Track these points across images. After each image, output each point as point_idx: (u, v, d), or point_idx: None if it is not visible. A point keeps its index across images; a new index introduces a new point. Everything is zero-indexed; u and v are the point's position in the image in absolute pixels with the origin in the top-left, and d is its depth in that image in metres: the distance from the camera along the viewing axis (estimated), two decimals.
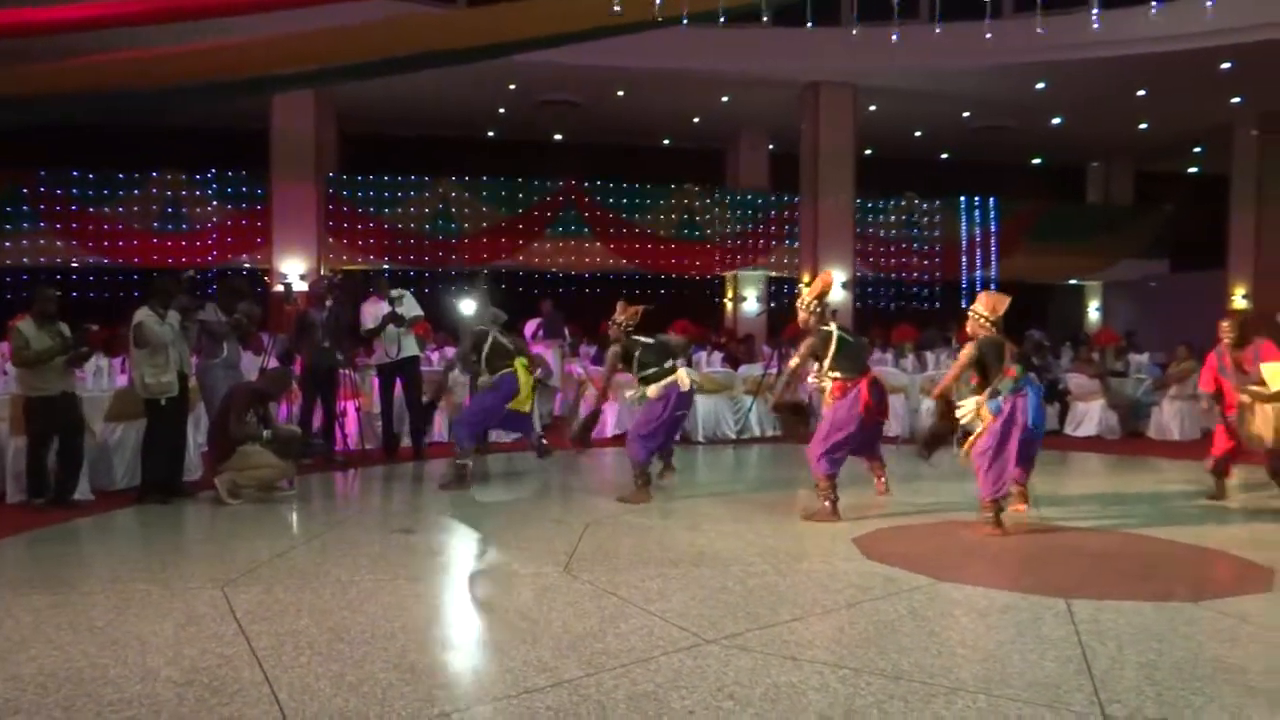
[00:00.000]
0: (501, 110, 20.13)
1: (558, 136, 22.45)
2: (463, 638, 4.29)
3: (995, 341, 6.38)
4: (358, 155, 20.66)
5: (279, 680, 3.61)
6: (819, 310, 7.09)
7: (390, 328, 9.33)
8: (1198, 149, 23.04)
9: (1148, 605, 4.70)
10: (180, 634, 4.17)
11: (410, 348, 9.66)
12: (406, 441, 9.85)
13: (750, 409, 11.48)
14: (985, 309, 6.47)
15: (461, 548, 6.25)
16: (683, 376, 7.62)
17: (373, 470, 9.06)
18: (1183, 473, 9.08)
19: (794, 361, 7.18)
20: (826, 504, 6.76)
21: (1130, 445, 11.28)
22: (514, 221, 19.29)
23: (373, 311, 9.55)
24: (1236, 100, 18.53)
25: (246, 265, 18.44)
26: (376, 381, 9.91)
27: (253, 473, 7.29)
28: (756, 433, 11.53)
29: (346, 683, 3.59)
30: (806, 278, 18.68)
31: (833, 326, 7.06)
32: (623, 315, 7.79)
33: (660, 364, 7.69)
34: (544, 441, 8.63)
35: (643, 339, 7.78)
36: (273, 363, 9.86)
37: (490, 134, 22.38)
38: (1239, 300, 19.36)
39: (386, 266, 18.12)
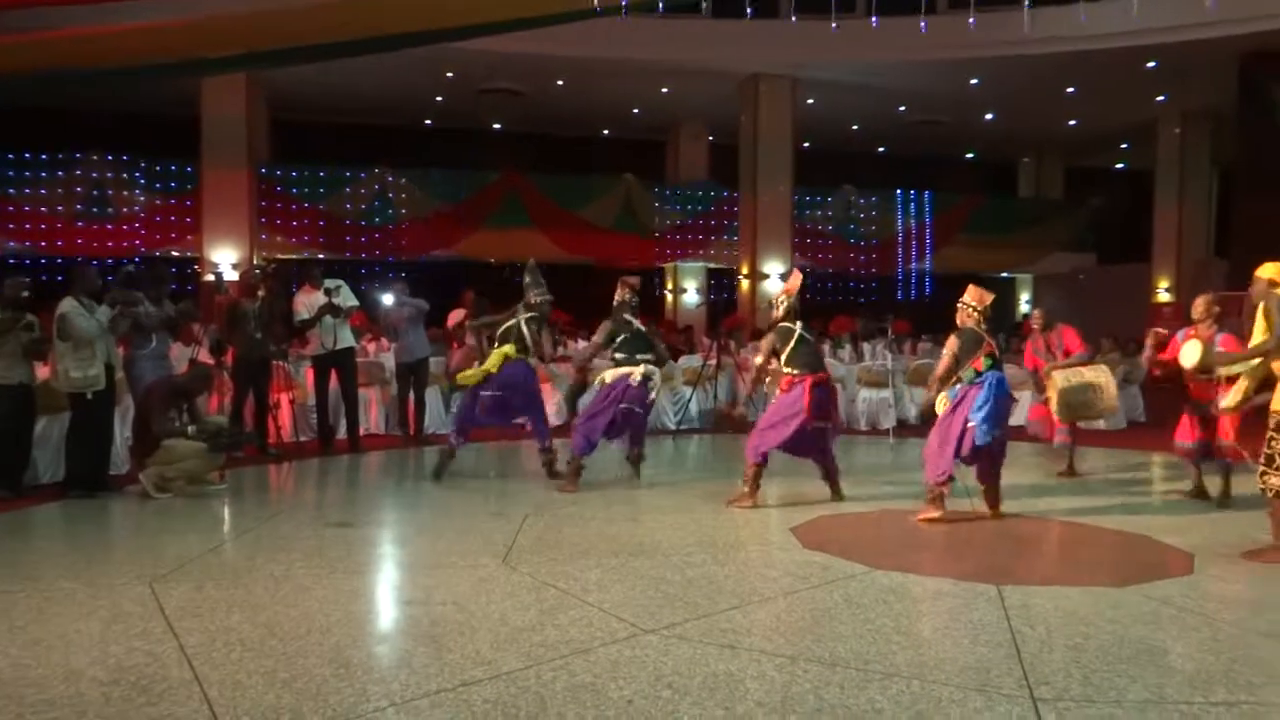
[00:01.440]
0: (440, 98, 19.93)
1: (497, 125, 22.29)
2: (399, 631, 4.24)
3: (974, 333, 6.44)
4: (291, 143, 20.29)
5: (209, 678, 3.53)
6: (794, 308, 7.24)
7: (327, 318, 9.18)
8: (1124, 145, 23.68)
9: (1075, 590, 4.82)
10: (106, 632, 4.06)
11: (347, 339, 9.52)
12: (342, 434, 9.70)
13: (690, 400, 11.53)
14: (974, 299, 6.59)
15: (398, 540, 6.18)
16: (636, 371, 7.50)
17: (308, 463, 8.91)
18: (1108, 460, 9.33)
19: (759, 359, 7.27)
20: (744, 488, 6.83)
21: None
22: (453, 211, 19.13)
23: (307, 302, 9.38)
24: (1160, 98, 19.08)
25: (176, 254, 18.02)
26: (311, 373, 9.74)
27: (179, 465, 7.11)
28: (696, 423, 11.58)
29: (279, 679, 3.52)
30: (745, 269, 18.82)
31: (797, 325, 7.06)
32: (622, 294, 7.80)
33: (632, 355, 7.57)
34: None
35: (635, 325, 7.70)
36: (204, 354, 9.65)
37: (428, 122, 22.14)
38: (1163, 293, 19.96)
39: (321, 256, 17.84)
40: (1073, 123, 21.42)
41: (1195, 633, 4.21)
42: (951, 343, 6.50)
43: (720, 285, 22.30)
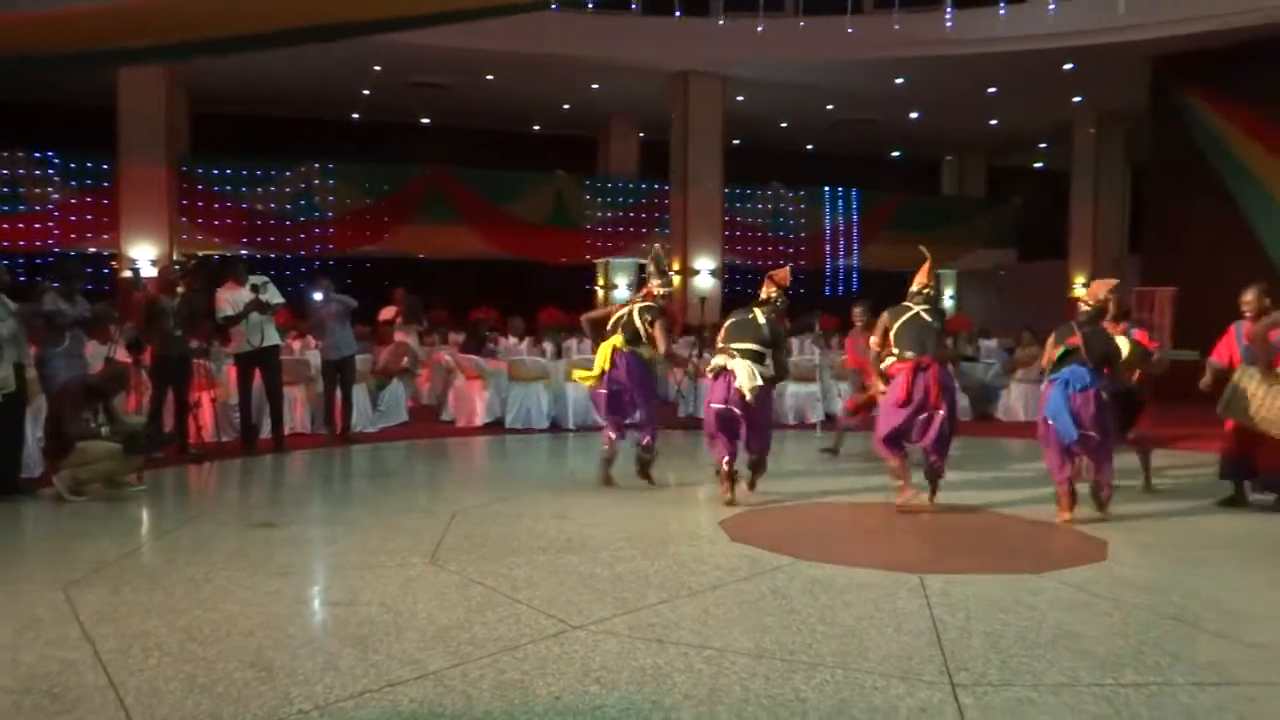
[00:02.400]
0: (366, 92, 19.64)
1: (425, 120, 22.05)
2: (323, 633, 4.18)
3: (1064, 329, 6.46)
4: (213, 136, 19.78)
5: (125, 685, 3.44)
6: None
7: (254, 315, 8.98)
8: (1043, 145, 24.32)
9: (994, 578, 4.96)
10: (18, 639, 3.93)
11: (272, 336, 9.33)
12: (266, 433, 9.51)
13: None
14: (1088, 295, 6.62)
15: (324, 541, 6.08)
16: (722, 361, 6.86)
17: (230, 464, 8.72)
18: (1026, 451, 9.57)
19: (874, 338, 7.03)
20: (897, 482, 6.66)
21: (980, 427, 11.83)
22: (380, 206, 18.87)
23: (230, 298, 9.16)
24: (1077, 100, 19.63)
25: (92, 250, 17.47)
26: (233, 371, 9.53)
27: (94, 467, 6.90)
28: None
29: (198, 684, 3.45)
30: (676, 265, 18.90)
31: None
32: (766, 290, 7.28)
33: (727, 343, 6.95)
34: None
35: (748, 315, 7.04)
36: (120, 352, 9.38)
37: (355, 116, 21.81)
38: (1079, 289, 20.55)
39: (244, 252, 17.45)
40: (994, 122, 21.92)
41: (1107, 617, 4.36)
42: (1050, 340, 6.54)
43: None
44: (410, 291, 13.57)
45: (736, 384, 6.65)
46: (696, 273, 18.53)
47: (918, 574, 4.96)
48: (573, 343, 13.02)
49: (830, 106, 20.53)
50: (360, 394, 10.61)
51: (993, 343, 14.85)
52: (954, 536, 6.05)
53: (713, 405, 6.83)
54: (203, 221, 17.83)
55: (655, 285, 7.58)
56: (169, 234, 16.89)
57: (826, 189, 22.60)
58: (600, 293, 22.27)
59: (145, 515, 6.71)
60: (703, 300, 14.39)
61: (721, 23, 16.48)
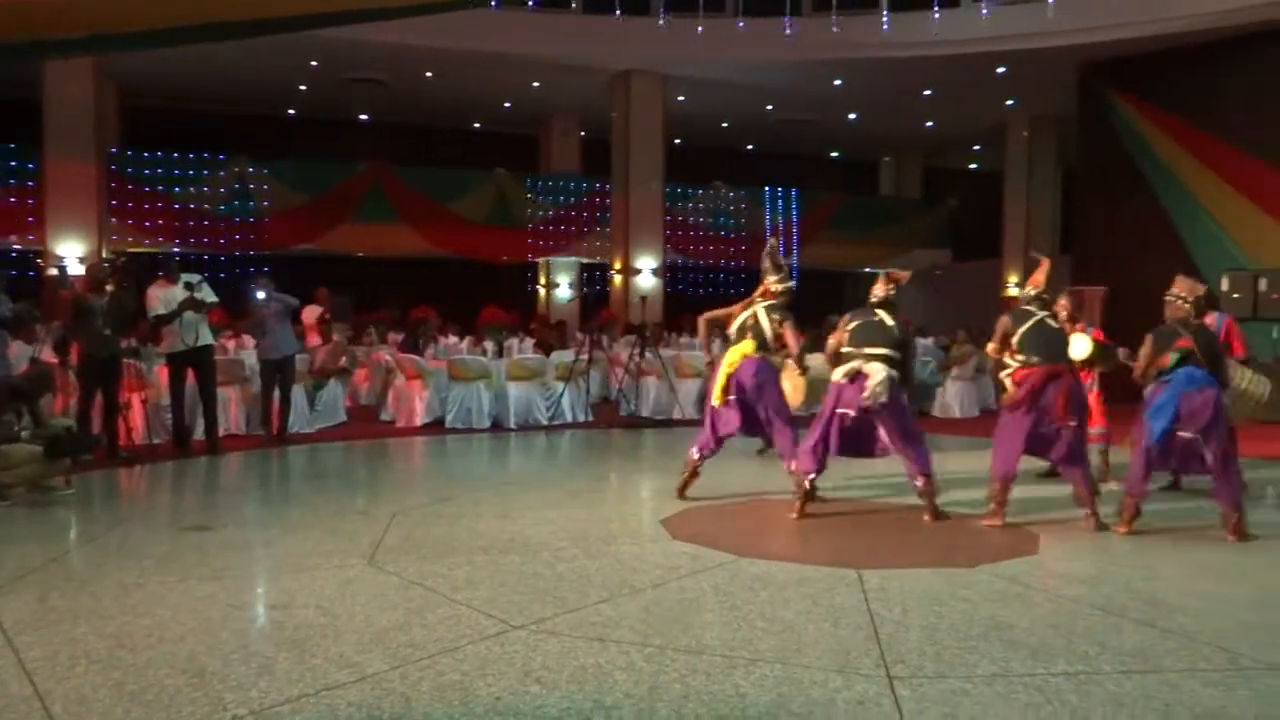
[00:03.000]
0: (303, 87, 19.33)
1: (364, 116, 21.77)
2: (258, 637, 4.11)
3: (1168, 330, 6.10)
4: (144, 130, 19.32)
5: (52, 694, 3.35)
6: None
7: (188, 314, 8.78)
8: (977, 147, 24.78)
9: (930, 571, 5.05)
10: None
11: (207, 336, 9.13)
12: (200, 434, 9.31)
13: (562, 395, 11.52)
14: (1182, 290, 6.23)
15: (259, 544, 5.96)
16: (857, 367, 6.35)
17: (162, 466, 8.51)
18: (962, 447, 9.75)
19: (990, 346, 6.69)
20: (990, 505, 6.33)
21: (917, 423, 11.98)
22: (317, 203, 18.60)
23: (162, 296, 8.94)
24: (1010, 103, 20.05)
25: (16, 247, 16.94)
26: (164, 371, 9.31)
27: (17, 471, 6.69)
28: (569, 418, 11.59)
29: (128, 691, 3.37)
30: (618, 264, 18.92)
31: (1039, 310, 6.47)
32: (884, 288, 6.81)
33: (860, 346, 6.42)
34: None
35: (877, 316, 6.56)
36: (46, 353, 9.12)
37: (292, 111, 21.44)
38: (1012, 288, 20.99)
39: (177, 249, 17.07)
40: (930, 124, 22.28)
41: (1038, 608, 4.46)
42: (1146, 342, 6.14)
43: (593, 280, 22.35)
44: (335, 291, 13.39)
45: (869, 388, 6.14)
46: (638, 272, 18.56)
47: (856, 569, 5.03)
48: (514, 342, 12.96)
49: (770, 107, 20.70)
50: (298, 394, 10.45)
51: (929, 341, 15.08)
52: (892, 532, 6.14)
53: (839, 411, 6.28)
54: (133, 218, 17.40)
55: (772, 282, 7.02)
56: (98, 230, 16.43)
57: (767, 189, 22.80)
58: (542, 292, 22.20)
59: (73, 519, 6.53)
60: (644, 299, 14.41)
61: (662, 23, 16.53)
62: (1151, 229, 15.35)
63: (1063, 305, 7.38)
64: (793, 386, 7.13)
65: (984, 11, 15.18)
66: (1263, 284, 11.84)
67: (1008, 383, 6.40)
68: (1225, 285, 12.21)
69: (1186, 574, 5.09)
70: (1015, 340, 6.31)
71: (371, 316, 16.63)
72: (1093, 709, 3.30)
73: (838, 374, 6.40)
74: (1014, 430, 6.19)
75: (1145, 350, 6.14)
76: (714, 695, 3.37)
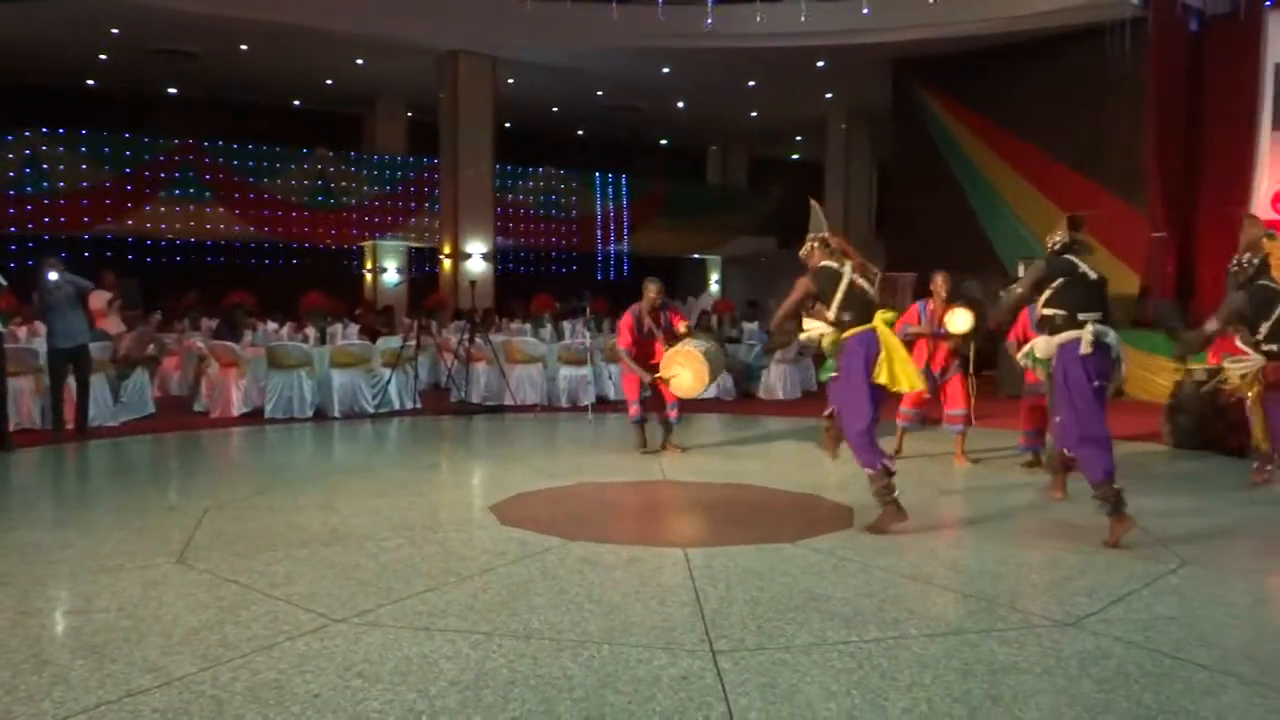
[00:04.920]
0: (104, 57, 18.01)
1: (172, 90, 20.51)
2: (52, 645, 3.81)
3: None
4: None
5: None
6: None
7: None
8: (798, 138, 25.67)
9: (752, 548, 5.19)
10: None
11: None
12: None
13: (389, 382, 11.22)
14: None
15: (54, 546, 5.52)
16: (1085, 335, 5.30)
17: None
18: (784, 427, 10.10)
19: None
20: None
21: (743, 405, 12.36)
22: (120, 181, 17.41)
23: None
24: (829, 96, 20.84)
25: None
26: None
27: None
28: (396, 406, 11.31)
29: None
30: (447, 248, 18.57)
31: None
32: (1066, 234, 5.61)
33: (1073, 313, 5.38)
34: None
35: (1084, 271, 5.44)
36: None
37: (91, 82, 19.96)
38: None
39: None
40: (754, 115, 22.89)
41: (853, 579, 4.67)
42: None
43: (422, 264, 21.89)
44: (122, 275, 12.62)
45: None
46: (468, 256, 18.27)
47: (682, 548, 5.13)
48: (338, 328, 12.53)
49: (600, 93, 20.77)
50: (100, 385, 9.77)
51: (754, 325, 15.52)
52: (719, 511, 6.29)
53: (1096, 383, 5.30)
54: None
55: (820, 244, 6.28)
56: None
57: (597, 174, 22.90)
58: (369, 276, 21.57)
59: None
60: (473, 283, 14.18)
61: (490, 3, 16.30)
62: (957, 219, 16.31)
63: (944, 286, 7.91)
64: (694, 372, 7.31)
65: (803, 5, 15.69)
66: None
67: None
68: (1021, 271, 13.09)
69: (989, 541, 5.42)
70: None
71: (184, 302, 15.75)
72: (900, 670, 3.48)
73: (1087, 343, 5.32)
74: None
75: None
76: (541, 679, 3.37)
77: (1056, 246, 5.50)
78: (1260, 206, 13.69)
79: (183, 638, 3.75)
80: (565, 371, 12.05)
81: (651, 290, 8.29)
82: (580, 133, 25.15)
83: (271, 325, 13.20)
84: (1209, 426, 8.47)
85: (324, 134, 20.89)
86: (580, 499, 6.63)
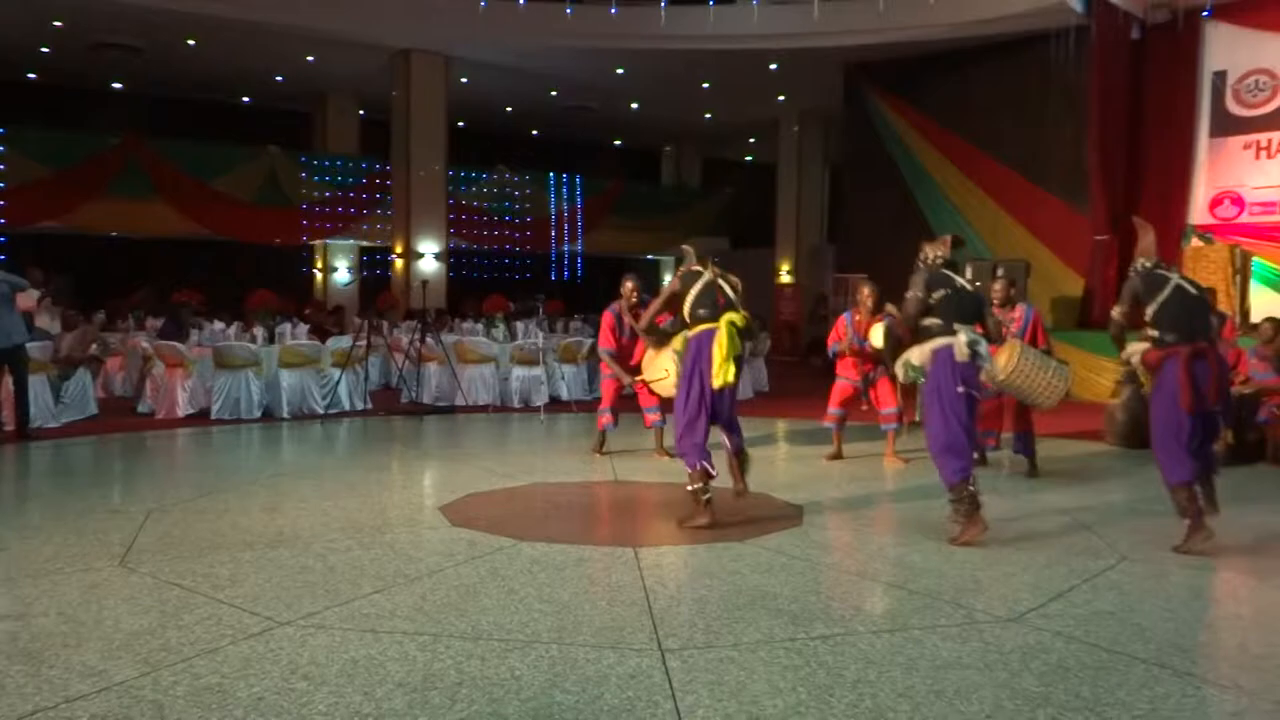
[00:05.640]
0: (45, 49, 17.60)
1: (117, 85, 20.12)
2: None
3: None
4: None
5: None
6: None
7: None
8: (751, 140, 25.81)
9: (702, 547, 5.23)
10: None
11: None
12: None
13: (339, 382, 11.11)
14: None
15: None
16: (958, 341, 5.37)
17: None
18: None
19: (1115, 312, 5.94)
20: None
21: None
22: (62, 177, 17.00)
23: None
24: (781, 98, 20.98)
25: None
26: None
27: None
28: (347, 406, 11.20)
29: None
30: (399, 247, 18.43)
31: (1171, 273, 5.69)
32: (933, 251, 5.72)
33: (948, 323, 5.44)
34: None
35: (960, 283, 5.60)
36: None
37: (32, 76, 19.51)
38: (784, 275, 22.04)
39: None
40: (708, 116, 22.98)
41: (800, 576, 4.71)
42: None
43: (373, 264, 21.69)
44: (52, 271, 12.34)
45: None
46: (420, 255, 18.14)
47: (633, 547, 5.15)
48: (287, 327, 12.37)
49: (554, 93, 20.72)
50: (40, 385, 9.56)
51: None
52: (667, 510, 6.31)
53: (963, 389, 5.36)
54: None
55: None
56: None
57: (551, 174, 22.85)
58: (319, 275, 21.33)
59: None
60: (425, 283, 14.10)
61: (443, 1, 16.20)
62: (906, 220, 16.50)
63: (871, 297, 7.89)
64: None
65: (755, 8, 15.79)
66: (999, 272, 13.05)
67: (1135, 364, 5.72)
68: (969, 274, 13.31)
69: (933, 538, 5.51)
70: (1150, 314, 5.53)
71: (128, 301, 15.46)
72: (845, 666, 3.53)
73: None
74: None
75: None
76: (489, 679, 3.37)
77: (938, 261, 5.65)
78: (1198, 210, 14.07)
79: (123, 642, 3.69)
80: (518, 372, 12.02)
81: (628, 286, 8.11)
82: (535, 133, 25.08)
83: (218, 324, 12.99)
84: (1147, 424, 8.63)
85: (273, 131, 20.61)
86: (531, 499, 6.61)
